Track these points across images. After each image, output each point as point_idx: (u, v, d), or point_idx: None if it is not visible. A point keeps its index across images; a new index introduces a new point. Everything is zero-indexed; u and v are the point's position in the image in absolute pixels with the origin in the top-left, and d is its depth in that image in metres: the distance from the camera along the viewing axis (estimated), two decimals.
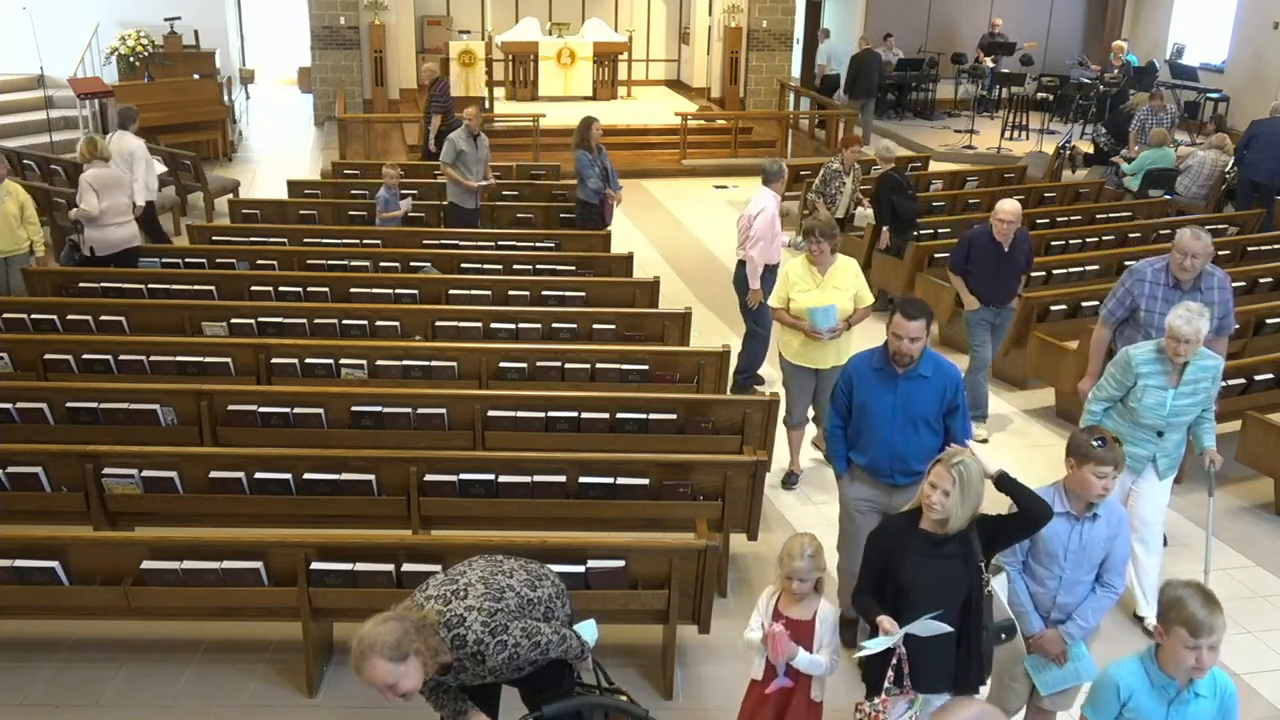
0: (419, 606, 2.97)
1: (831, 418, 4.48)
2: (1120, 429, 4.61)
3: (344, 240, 8.40)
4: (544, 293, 7.11)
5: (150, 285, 7.12)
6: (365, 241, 8.39)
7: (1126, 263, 8.45)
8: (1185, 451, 4.86)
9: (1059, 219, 9.77)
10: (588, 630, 3.33)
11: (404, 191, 9.13)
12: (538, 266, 7.72)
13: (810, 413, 6.13)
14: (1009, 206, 6.53)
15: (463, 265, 7.74)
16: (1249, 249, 9.06)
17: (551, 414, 5.33)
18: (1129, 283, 5.43)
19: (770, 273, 6.95)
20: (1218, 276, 5.43)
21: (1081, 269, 8.31)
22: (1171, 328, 4.42)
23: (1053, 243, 9.03)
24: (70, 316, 6.52)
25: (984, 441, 6.54)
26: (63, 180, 10.15)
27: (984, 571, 3.38)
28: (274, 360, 5.95)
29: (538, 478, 4.73)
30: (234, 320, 6.51)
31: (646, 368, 5.93)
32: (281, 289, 7.13)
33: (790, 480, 6.13)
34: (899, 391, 4.24)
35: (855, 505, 4.48)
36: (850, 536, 4.49)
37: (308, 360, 5.94)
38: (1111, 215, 9.95)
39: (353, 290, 7.10)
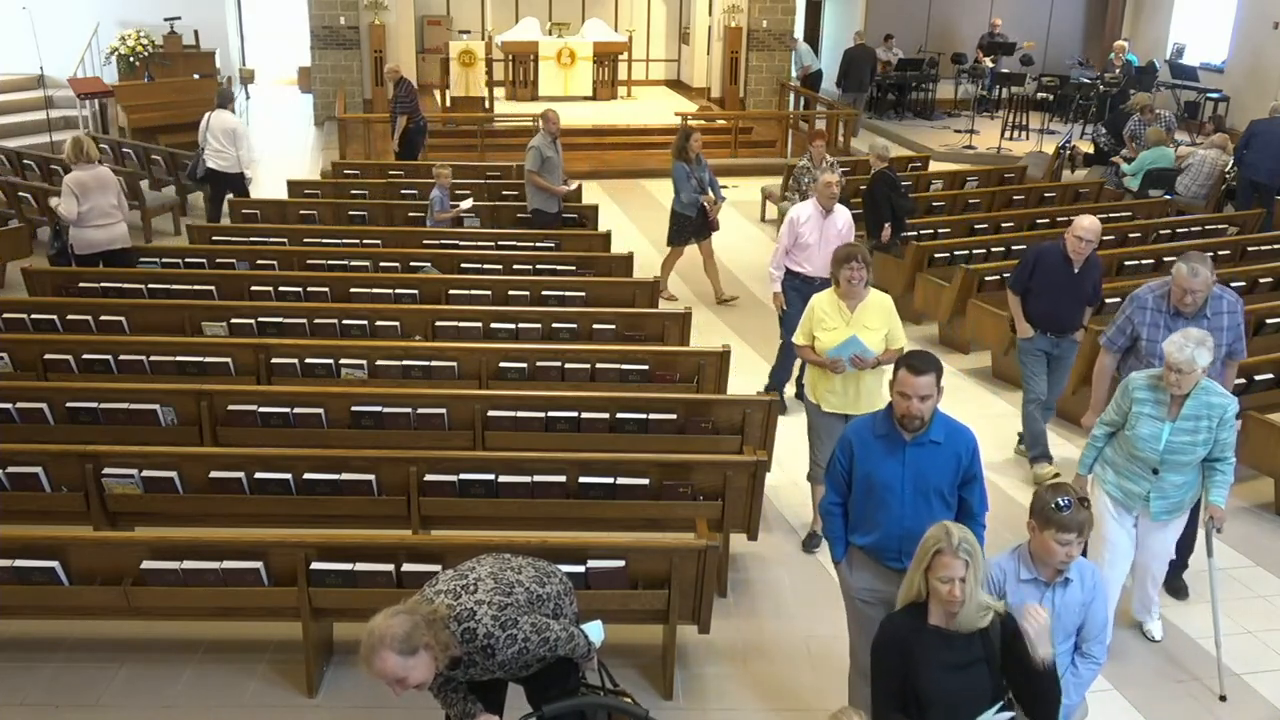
0: (429, 601, 2.99)
1: (828, 494, 3.90)
2: (1117, 460, 4.43)
3: (344, 240, 8.40)
4: (544, 293, 7.11)
5: (150, 285, 7.12)
6: (365, 241, 8.39)
7: (1126, 262, 8.52)
8: (1197, 500, 4.52)
9: (1059, 219, 9.76)
10: (594, 631, 3.34)
11: (460, 192, 9.07)
12: (538, 266, 7.72)
13: None
14: (1088, 223, 5.79)
15: (463, 265, 7.74)
16: (1249, 249, 9.06)
17: (551, 414, 5.33)
18: (1130, 309, 5.06)
19: (802, 283, 6.62)
20: (1227, 300, 5.01)
21: None
22: (1168, 355, 4.12)
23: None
24: (70, 316, 6.51)
25: (1056, 476, 5.95)
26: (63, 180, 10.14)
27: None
28: (274, 360, 5.95)
29: (538, 478, 4.73)
30: (234, 320, 6.51)
31: (646, 368, 5.93)
32: (281, 289, 7.13)
33: (812, 542, 5.51)
34: (908, 460, 3.67)
35: (859, 595, 3.87)
36: (859, 633, 3.87)
37: (308, 360, 5.94)
38: (1111, 215, 9.95)
39: (353, 290, 7.10)
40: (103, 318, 6.51)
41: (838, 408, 5.14)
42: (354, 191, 9.95)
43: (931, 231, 9.23)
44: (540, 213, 8.97)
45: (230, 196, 9.79)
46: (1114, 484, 4.44)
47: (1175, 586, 5.12)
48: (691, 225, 8.86)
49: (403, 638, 2.78)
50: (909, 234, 8.90)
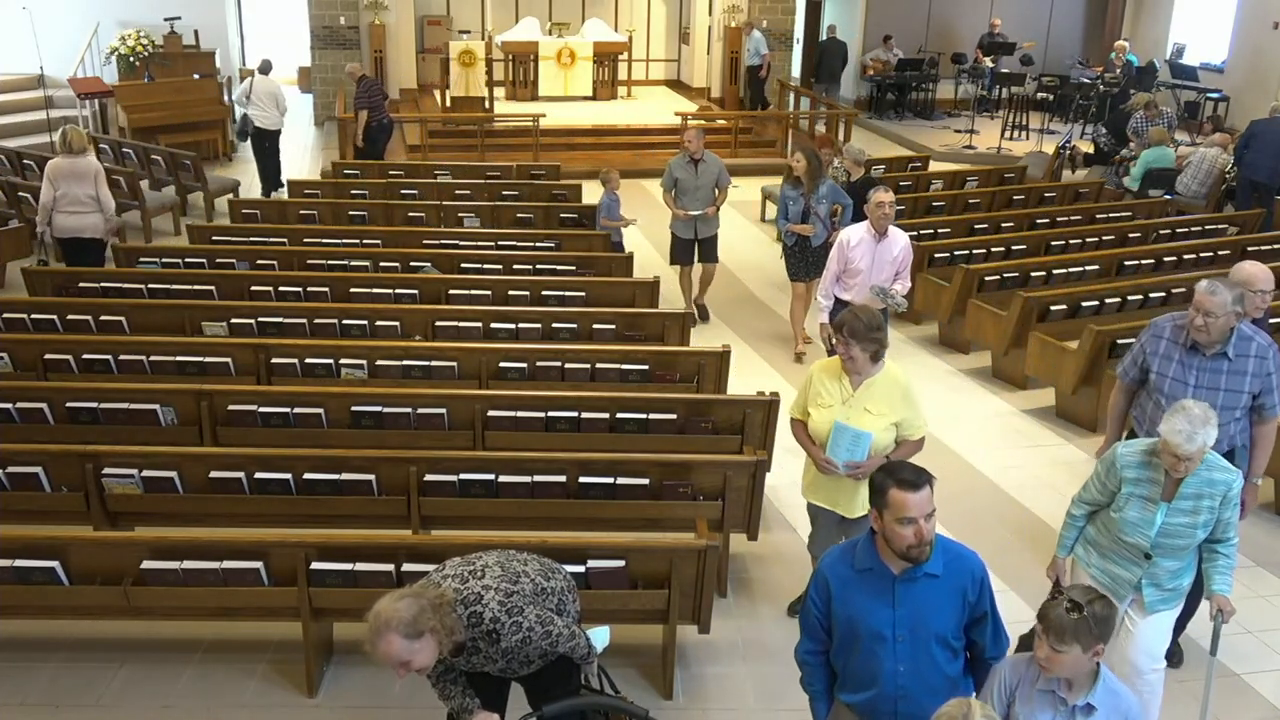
0: (436, 585, 3.00)
1: (803, 640, 3.19)
2: (1101, 541, 3.85)
3: (344, 240, 8.40)
4: (544, 293, 7.11)
5: (150, 285, 7.12)
6: (365, 241, 8.39)
7: (1127, 263, 8.52)
8: (1196, 587, 3.94)
9: (1059, 219, 9.78)
10: (600, 636, 3.34)
11: (628, 219, 8.83)
12: (538, 266, 7.72)
13: None
14: (1262, 275, 4.58)
15: (463, 265, 7.74)
16: (1249, 249, 9.06)
17: (551, 414, 5.32)
18: (1144, 338, 4.49)
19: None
20: (1257, 344, 4.27)
21: (1081, 269, 8.31)
22: (1166, 440, 3.51)
23: (1053, 243, 9.04)
24: (70, 316, 6.51)
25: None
26: None
27: None
28: (274, 360, 5.95)
29: (538, 478, 4.73)
30: (234, 320, 6.51)
31: (646, 368, 5.93)
32: (281, 289, 7.13)
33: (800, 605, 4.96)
34: (900, 600, 2.95)
35: None
36: None
37: (308, 360, 5.94)
38: (1111, 215, 9.96)
39: (353, 290, 7.10)
40: (103, 318, 6.51)
41: (826, 503, 4.35)
42: (354, 191, 9.96)
43: (931, 231, 9.23)
44: (672, 235, 8.59)
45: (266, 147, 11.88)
46: (1099, 568, 3.86)
47: (1169, 652, 4.25)
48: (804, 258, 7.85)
49: (409, 621, 2.79)
50: (909, 234, 8.88)
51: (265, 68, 12.16)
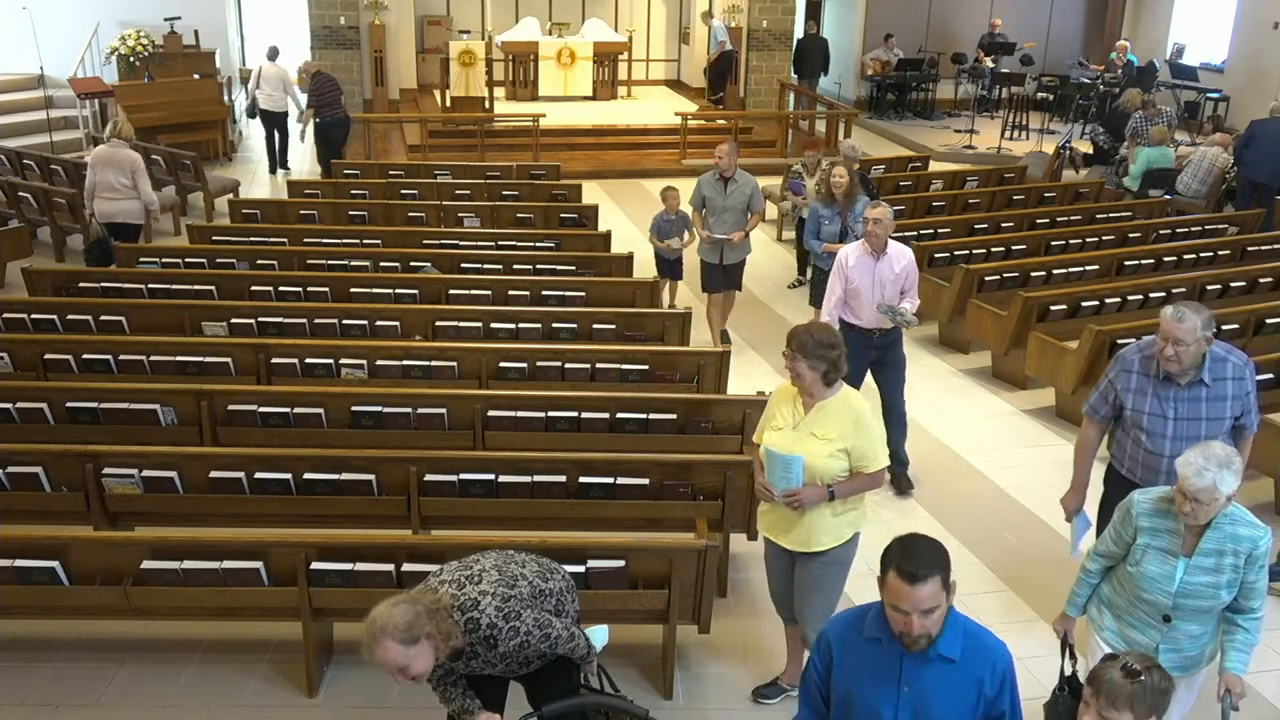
0: (433, 590, 2.99)
1: (800, 712, 2.92)
2: (1117, 601, 3.54)
3: (344, 240, 8.40)
4: (544, 293, 7.10)
5: (150, 285, 7.12)
6: (365, 241, 8.39)
7: (1126, 263, 8.52)
8: (1216, 654, 3.55)
9: (1059, 219, 9.78)
10: (599, 636, 3.34)
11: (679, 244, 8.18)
12: (538, 266, 7.72)
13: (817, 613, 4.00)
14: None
15: (463, 265, 7.74)
16: (1249, 249, 9.07)
17: (551, 414, 5.32)
18: (1113, 373, 4.18)
19: (859, 336, 5.73)
20: (1233, 363, 4.02)
21: (1081, 269, 8.31)
22: (1182, 478, 3.17)
23: (1053, 243, 9.04)
24: (70, 316, 6.51)
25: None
26: (63, 180, 10.15)
27: None
28: (274, 360, 5.95)
29: (538, 478, 4.73)
30: (234, 320, 6.51)
31: (646, 368, 5.93)
32: (281, 289, 7.13)
33: (766, 693, 4.36)
34: (907, 679, 2.67)
35: None
36: None
37: (308, 360, 5.94)
38: (1111, 215, 9.96)
39: (353, 290, 7.10)
40: (103, 318, 6.51)
41: (769, 533, 4.03)
42: (354, 191, 9.95)
43: (931, 231, 9.24)
44: (700, 259, 7.83)
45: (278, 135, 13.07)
46: (1114, 631, 3.56)
47: None
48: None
49: (405, 627, 2.78)
50: (909, 234, 8.90)
51: (272, 54, 13.06)
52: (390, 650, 2.78)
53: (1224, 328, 7.25)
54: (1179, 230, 9.55)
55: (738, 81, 17.02)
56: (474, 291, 7.09)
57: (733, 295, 8.15)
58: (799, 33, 17.63)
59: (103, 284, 7.17)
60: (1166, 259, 8.69)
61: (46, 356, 5.94)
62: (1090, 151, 13.24)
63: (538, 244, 8.34)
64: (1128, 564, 3.43)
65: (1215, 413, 4.01)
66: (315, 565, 4.08)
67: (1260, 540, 3.28)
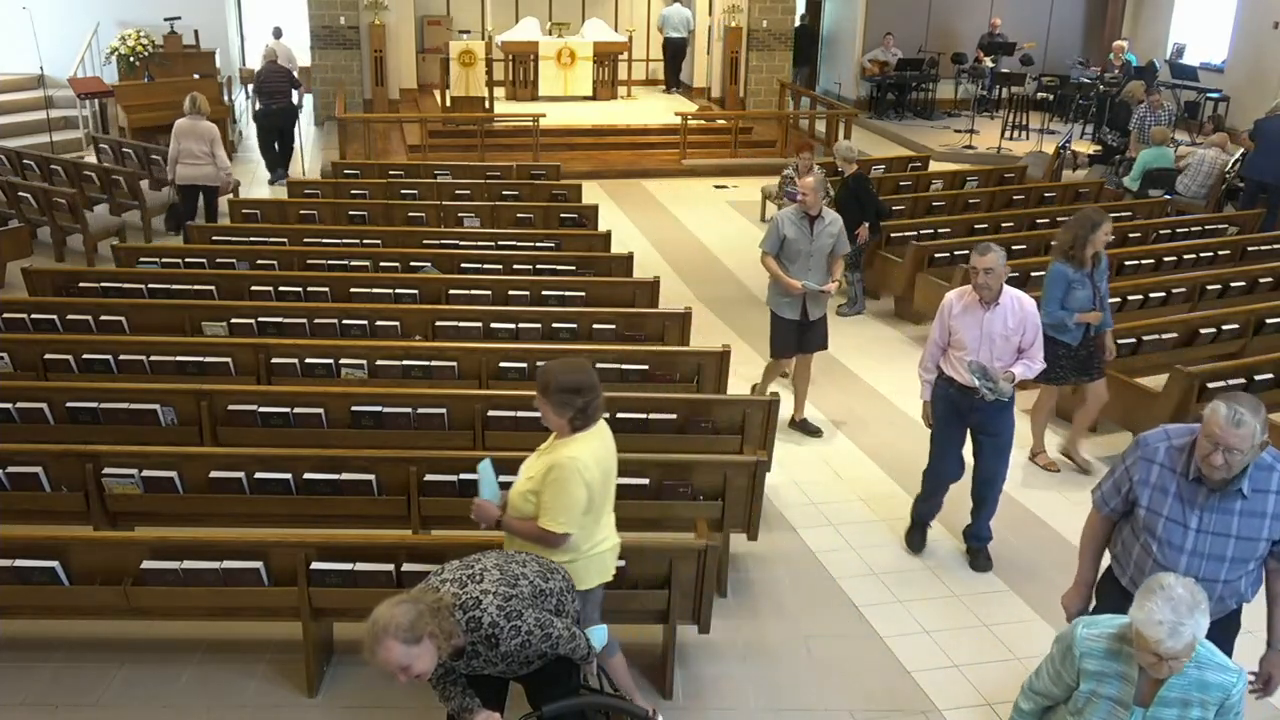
0: (434, 589, 3.00)
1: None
2: None
3: (344, 240, 8.40)
4: (544, 293, 7.11)
5: (150, 285, 7.12)
6: (365, 241, 8.39)
7: (1126, 263, 8.52)
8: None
9: (1059, 219, 9.77)
10: (598, 635, 3.35)
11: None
12: (538, 266, 7.72)
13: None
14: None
15: (463, 265, 7.74)
16: (1249, 249, 9.07)
17: None
18: (1130, 461, 3.39)
19: (958, 393, 5.14)
20: (1279, 476, 3.20)
21: None
22: (1141, 633, 2.60)
23: (1052, 243, 9.02)
24: (70, 316, 6.51)
25: None
26: (62, 180, 10.16)
27: None
28: (274, 360, 5.95)
29: None
30: (234, 320, 6.51)
31: (646, 368, 5.93)
32: (281, 289, 7.13)
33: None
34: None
35: None
36: None
37: (308, 360, 5.94)
38: (1111, 215, 9.95)
39: (353, 290, 7.10)
40: (103, 318, 6.51)
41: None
42: (354, 191, 9.96)
43: (931, 231, 9.24)
44: (771, 314, 6.53)
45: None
46: None
47: None
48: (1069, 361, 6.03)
49: (407, 626, 2.79)
50: (909, 234, 8.91)
51: (278, 33, 14.15)
52: (393, 650, 2.79)
53: (1224, 328, 7.26)
54: (1179, 230, 9.55)
55: (737, 83, 17.02)
56: (474, 291, 7.09)
57: (810, 361, 6.66)
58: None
59: (103, 284, 7.18)
60: (1166, 259, 8.69)
61: (46, 356, 5.94)
62: (1098, 150, 13.23)
63: (538, 244, 8.34)
64: (1068, 710, 2.88)
65: (1249, 531, 3.21)
66: (315, 565, 4.08)
67: (1233, 688, 2.71)
